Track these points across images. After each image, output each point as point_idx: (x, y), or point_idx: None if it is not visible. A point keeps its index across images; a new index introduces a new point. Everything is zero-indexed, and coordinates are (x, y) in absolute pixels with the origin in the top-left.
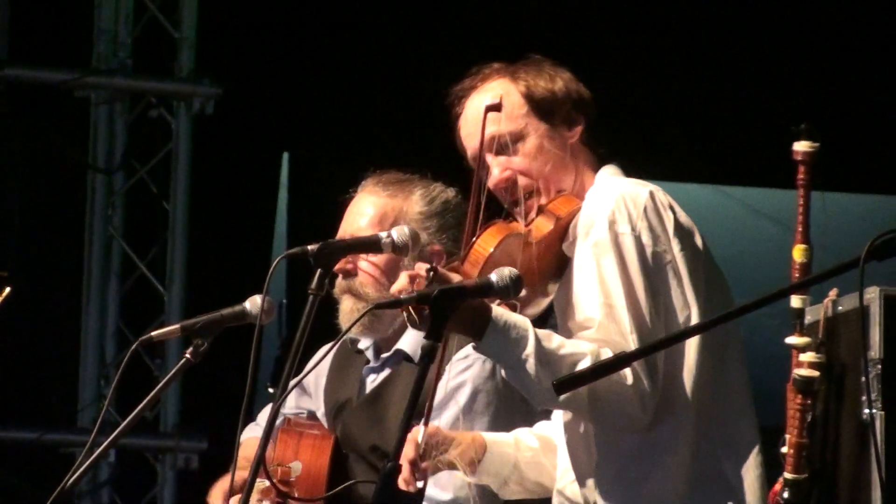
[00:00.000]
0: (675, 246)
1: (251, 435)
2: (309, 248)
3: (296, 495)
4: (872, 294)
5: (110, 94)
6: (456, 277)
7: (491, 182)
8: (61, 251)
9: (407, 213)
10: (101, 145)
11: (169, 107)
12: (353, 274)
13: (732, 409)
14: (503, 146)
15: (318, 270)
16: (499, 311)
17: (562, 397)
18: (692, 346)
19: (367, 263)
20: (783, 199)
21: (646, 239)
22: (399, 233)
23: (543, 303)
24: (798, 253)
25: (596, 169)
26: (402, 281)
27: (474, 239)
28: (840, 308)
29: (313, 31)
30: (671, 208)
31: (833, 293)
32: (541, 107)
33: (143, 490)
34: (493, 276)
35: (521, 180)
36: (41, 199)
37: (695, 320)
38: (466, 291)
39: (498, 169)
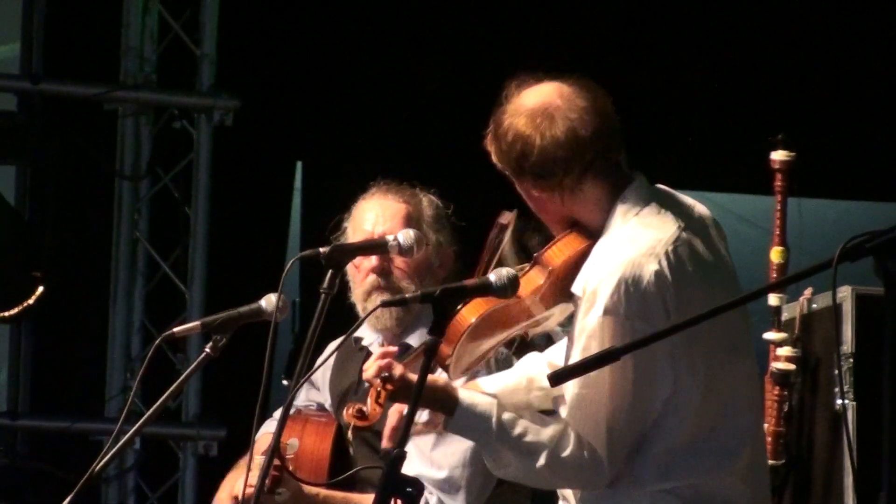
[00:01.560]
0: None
1: (266, 430)
2: (321, 250)
3: (294, 470)
4: (845, 293)
5: (136, 107)
6: (412, 377)
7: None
8: (90, 253)
9: (423, 217)
10: (127, 155)
11: (191, 119)
12: (388, 272)
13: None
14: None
15: (330, 271)
16: (465, 393)
17: (510, 476)
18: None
19: (400, 261)
20: (761, 205)
21: (641, 328)
22: (405, 236)
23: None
24: (775, 255)
25: (612, 198)
26: (372, 368)
27: (456, 313)
28: (815, 306)
29: (325, 49)
30: (676, 278)
31: (808, 292)
32: (526, 170)
33: (166, 475)
34: (492, 276)
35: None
36: (72, 204)
37: (689, 395)
38: (467, 291)
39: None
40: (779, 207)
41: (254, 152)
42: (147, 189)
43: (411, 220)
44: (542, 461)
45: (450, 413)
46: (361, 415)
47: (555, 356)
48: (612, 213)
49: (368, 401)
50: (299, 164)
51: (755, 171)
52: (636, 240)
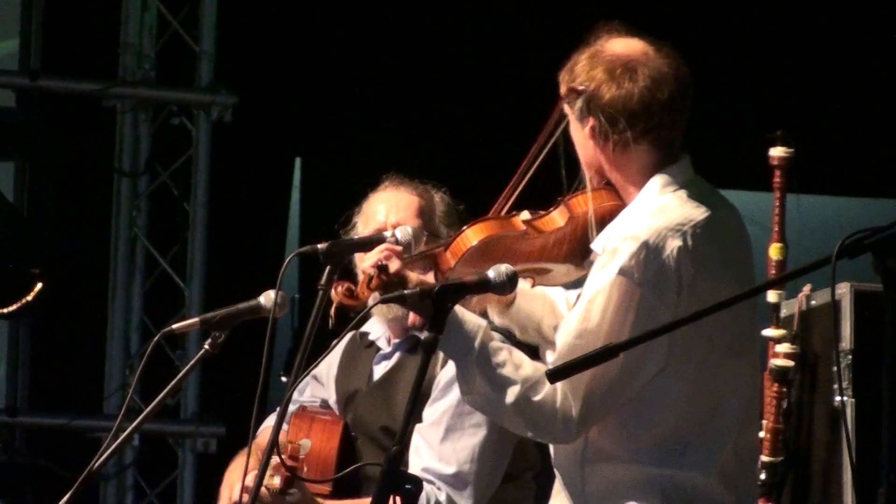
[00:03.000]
0: (683, 304)
1: (269, 425)
2: (319, 246)
3: (304, 470)
4: (843, 289)
5: (135, 103)
6: (412, 276)
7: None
8: (89, 249)
9: (435, 211)
10: (126, 151)
11: (189, 115)
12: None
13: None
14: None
15: (328, 267)
16: (458, 309)
17: (475, 403)
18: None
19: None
20: (760, 201)
21: (650, 298)
22: (403, 232)
23: (575, 276)
24: (774, 251)
25: (656, 169)
26: (372, 258)
27: (464, 227)
28: (813, 302)
29: (323, 45)
30: (696, 259)
31: (807, 289)
32: (592, 108)
33: (165, 472)
34: (491, 273)
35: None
36: (71, 200)
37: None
38: (466, 287)
39: None
40: (777, 204)
41: (252, 149)
42: (146, 185)
43: (424, 213)
44: (511, 397)
45: (439, 327)
46: (350, 293)
47: (573, 297)
48: (650, 183)
49: (361, 283)
50: (298, 161)
51: (754, 168)
52: (668, 211)
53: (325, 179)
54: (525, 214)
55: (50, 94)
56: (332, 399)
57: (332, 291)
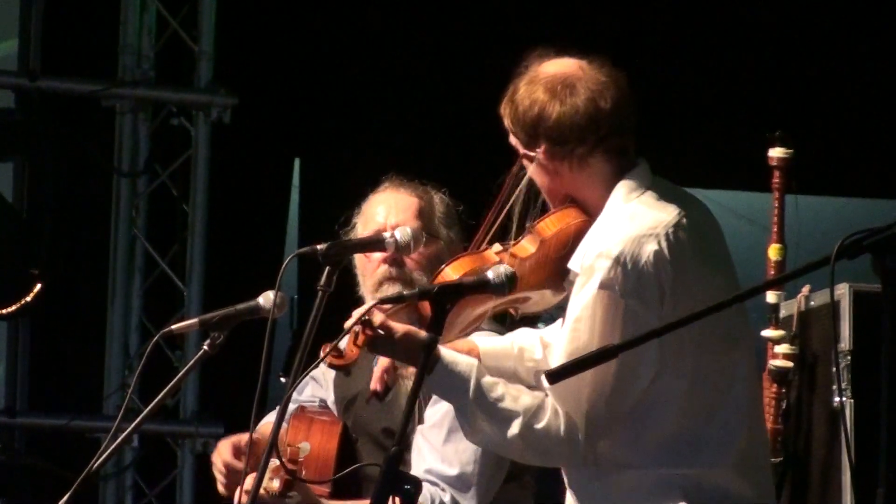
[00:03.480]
0: (668, 306)
1: (268, 420)
2: (318, 247)
3: (303, 473)
4: (842, 290)
5: (134, 103)
6: (397, 327)
7: None
8: (88, 250)
9: (435, 212)
10: (125, 151)
11: (188, 115)
12: (401, 263)
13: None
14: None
15: (327, 268)
16: (446, 351)
17: (482, 442)
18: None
19: (410, 260)
20: (759, 202)
21: (635, 306)
22: (402, 233)
23: (554, 300)
24: (773, 252)
25: (615, 178)
26: (354, 315)
27: (441, 267)
28: (812, 303)
29: (323, 46)
30: (673, 260)
31: (806, 289)
32: (540, 132)
33: (164, 472)
34: (490, 273)
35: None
36: (70, 200)
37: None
38: (464, 288)
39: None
40: (776, 204)
41: (252, 149)
42: (145, 186)
43: (423, 215)
44: (515, 429)
45: (429, 370)
46: (338, 353)
47: (548, 334)
48: (614, 192)
49: (347, 341)
50: (297, 161)
51: (753, 168)
52: (637, 218)
53: (324, 180)
54: (497, 247)
55: (49, 95)
56: (329, 399)
57: (321, 353)
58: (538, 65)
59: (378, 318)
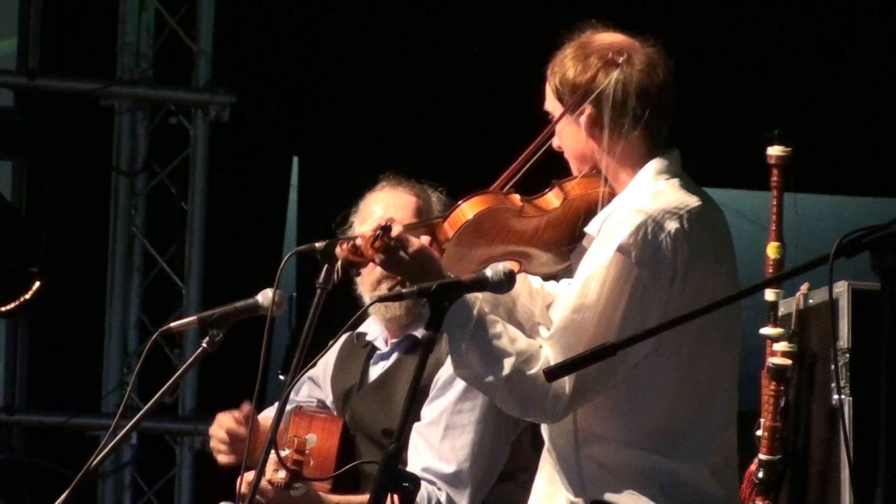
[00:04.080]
0: (677, 287)
1: (268, 414)
2: (317, 245)
3: (311, 464)
4: (841, 288)
5: (133, 102)
6: (414, 241)
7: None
8: (87, 248)
9: (433, 211)
10: (124, 150)
11: (187, 114)
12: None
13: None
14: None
15: (325, 266)
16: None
17: (468, 377)
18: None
19: None
20: (758, 200)
21: (646, 277)
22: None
23: (555, 267)
24: (772, 250)
25: (642, 160)
26: (372, 223)
27: (460, 201)
28: (811, 301)
29: (321, 45)
30: (692, 243)
31: (804, 287)
32: (557, 93)
33: (163, 470)
34: (488, 272)
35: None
36: (69, 199)
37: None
38: (463, 286)
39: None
40: (775, 203)
41: (250, 148)
42: (144, 185)
43: (420, 213)
44: (505, 369)
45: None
46: (355, 250)
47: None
48: (644, 169)
49: (363, 241)
50: (295, 160)
51: (751, 167)
52: (663, 196)
53: (322, 178)
54: (518, 196)
55: (48, 94)
56: (328, 399)
57: (338, 248)
58: (591, 34)
59: (397, 228)
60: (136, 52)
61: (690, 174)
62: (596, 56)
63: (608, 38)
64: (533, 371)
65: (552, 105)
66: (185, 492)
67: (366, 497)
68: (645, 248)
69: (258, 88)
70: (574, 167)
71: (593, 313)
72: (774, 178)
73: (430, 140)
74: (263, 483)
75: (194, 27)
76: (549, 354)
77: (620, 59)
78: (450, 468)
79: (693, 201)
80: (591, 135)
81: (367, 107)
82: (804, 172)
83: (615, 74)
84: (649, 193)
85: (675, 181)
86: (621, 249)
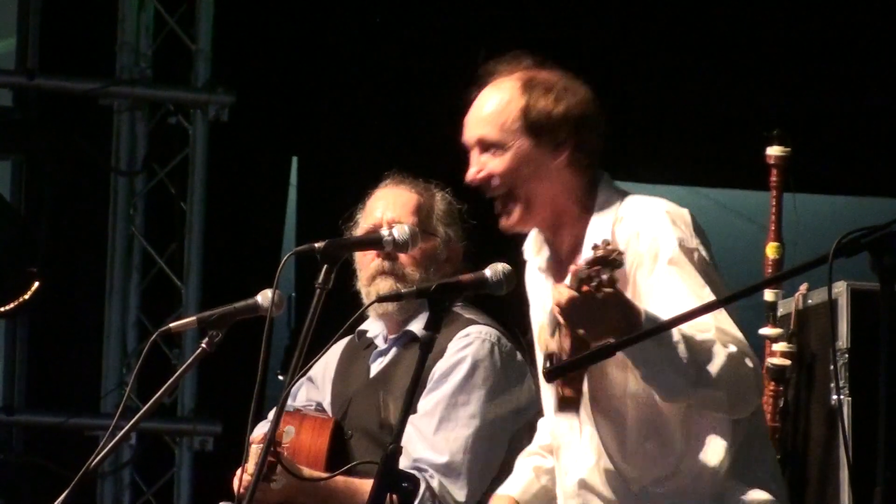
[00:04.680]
0: (714, 258)
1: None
2: (316, 245)
3: (285, 455)
4: (840, 288)
5: (132, 102)
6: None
7: (467, 176)
8: (86, 248)
9: (435, 211)
10: (123, 150)
11: (186, 114)
12: (394, 257)
13: None
14: (486, 147)
15: (325, 266)
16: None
17: (699, 395)
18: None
19: (405, 257)
20: (757, 200)
21: (705, 254)
22: (400, 231)
23: None
24: (771, 250)
25: (587, 186)
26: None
27: None
28: (810, 301)
29: (321, 44)
30: (700, 223)
31: (804, 287)
32: (532, 127)
33: (162, 470)
34: (487, 272)
35: (495, 181)
36: (68, 199)
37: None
38: (463, 286)
39: (475, 168)
40: (774, 203)
41: (249, 148)
42: (143, 184)
43: (421, 212)
44: (721, 359)
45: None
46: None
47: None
48: (602, 187)
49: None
50: (295, 160)
51: (751, 167)
52: (649, 200)
53: (321, 178)
54: None
55: (47, 93)
56: (325, 401)
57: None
58: (525, 68)
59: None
60: (136, 51)
61: (690, 174)
62: (542, 88)
63: (544, 74)
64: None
65: (503, 138)
66: (184, 492)
67: (353, 480)
68: (689, 231)
69: (257, 88)
70: (516, 196)
71: (718, 311)
72: (774, 178)
73: (430, 140)
74: (247, 478)
75: (193, 27)
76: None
77: (562, 91)
78: (442, 458)
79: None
80: (539, 162)
81: (367, 107)
82: (803, 172)
83: (562, 106)
84: (636, 204)
85: (633, 195)
86: (680, 244)
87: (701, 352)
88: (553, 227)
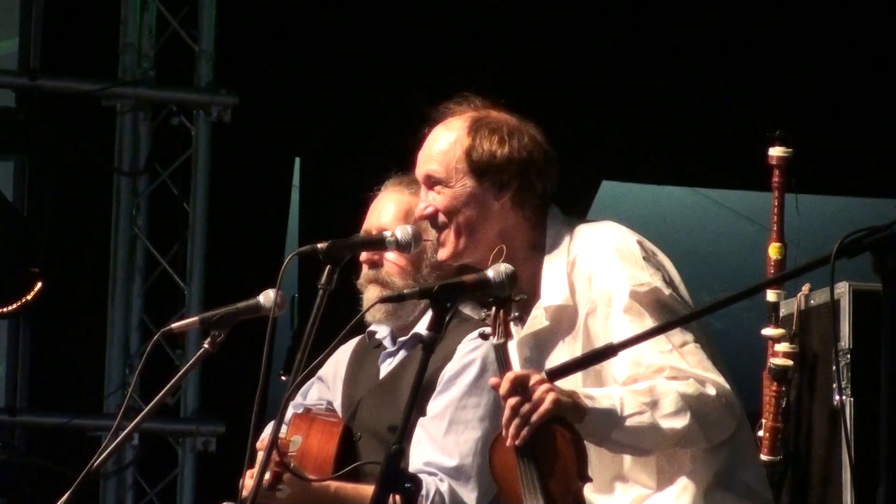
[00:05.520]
0: (675, 279)
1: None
2: (319, 245)
3: (291, 465)
4: (842, 289)
5: (135, 103)
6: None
7: (416, 212)
8: (89, 249)
9: None
10: (126, 151)
11: (189, 115)
12: (379, 265)
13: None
14: (433, 184)
15: (327, 266)
16: (586, 399)
17: (676, 438)
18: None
19: (393, 254)
20: (759, 201)
21: (660, 283)
22: (402, 232)
23: None
24: (773, 250)
25: (534, 226)
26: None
27: None
28: (812, 302)
29: (323, 45)
30: (650, 247)
31: (805, 288)
32: (476, 167)
33: (165, 471)
34: (490, 273)
35: (440, 217)
36: (71, 200)
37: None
38: (465, 287)
39: (423, 204)
40: (776, 203)
41: (252, 149)
42: (145, 185)
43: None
44: (687, 418)
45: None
46: None
47: None
48: (552, 223)
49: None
50: (297, 161)
51: (753, 168)
52: (598, 233)
53: (324, 179)
54: None
55: (49, 94)
56: (336, 401)
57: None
58: (473, 110)
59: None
60: (138, 52)
61: (692, 175)
62: (487, 131)
63: (494, 115)
64: (704, 392)
65: (448, 176)
66: (186, 492)
67: (362, 486)
68: (639, 267)
69: (260, 89)
70: (459, 231)
71: (675, 336)
72: (776, 179)
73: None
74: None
75: (196, 27)
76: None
77: (513, 134)
78: (452, 461)
79: (609, 222)
80: (488, 203)
81: (370, 108)
82: (805, 173)
83: (506, 150)
84: (585, 240)
85: (583, 224)
86: (630, 285)
87: (653, 405)
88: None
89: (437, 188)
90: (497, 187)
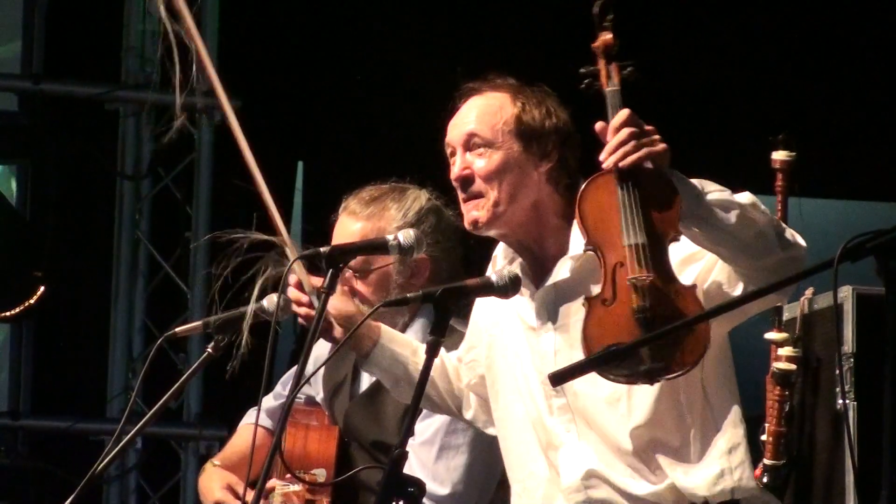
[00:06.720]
0: None
1: (247, 422)
2: (321, 249)
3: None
4: (846, 293)
5: (137, 106)
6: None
7: (452, 173)
8: (92, 252)
9: (386, 231)
10: (128, 154)
11: (192, 119)
12: (355, 294)
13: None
14: (474, 146)
15: (330, 271)
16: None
17: (757, 228)
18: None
19: (361, 285)
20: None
21: None
22: (405, 236)
23: None
24: None
25: (565, 202)
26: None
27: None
28: (816, 306)
29: (326, 49)
30: None
31: (809, 292)
32: (524, 133)
33: (168, 475)
34: (494, 276)
35: (476, 182)
36: (74, 204)
37: None
38: (469, 289)
39: (460, 165)
40: (779, 207)
41: (255, 152)
42: (148, 189)
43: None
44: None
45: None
46: None
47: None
48: None
49: None
50: (300, 165)
51: (756, 171)
52: None
53: (327, 183)
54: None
55: (52, 98)
56: (318, 396)
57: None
58: (510, 85)
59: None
60: (141, 56)
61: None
62: (536, 100)
63: (535, 89)
64: None
65: (494, 138)
66: (189, 497)
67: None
68: None
69: (263, 93)
70: (497, 199)
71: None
72: (779, 183)
73: (435, 145)
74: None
75: (199, 31)
76: None
77: (552, 104)
78: (444, 490)
79: None
80: (528, 170)
81: (372, 112)
82: (809, 177)
83: (567, 122)
84: None
85: None
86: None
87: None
88: (532, 236)
89: (480, 150)
90: (539, 156)
